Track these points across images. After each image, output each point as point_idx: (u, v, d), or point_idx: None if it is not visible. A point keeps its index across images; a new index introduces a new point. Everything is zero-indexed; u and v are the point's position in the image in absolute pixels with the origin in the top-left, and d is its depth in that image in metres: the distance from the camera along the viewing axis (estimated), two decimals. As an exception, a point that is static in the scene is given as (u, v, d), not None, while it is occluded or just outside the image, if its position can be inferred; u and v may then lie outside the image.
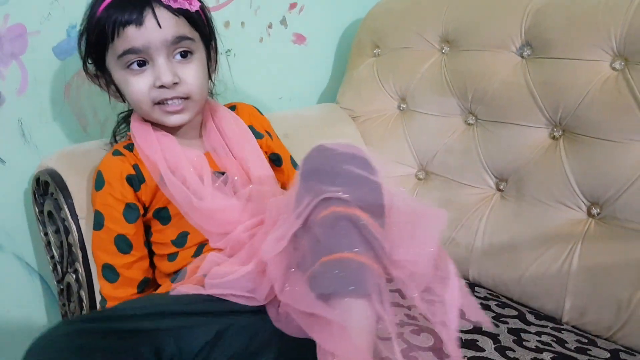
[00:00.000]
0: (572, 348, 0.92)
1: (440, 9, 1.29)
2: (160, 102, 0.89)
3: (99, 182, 0.91)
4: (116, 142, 1.02)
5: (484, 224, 1.15)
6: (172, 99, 0.88)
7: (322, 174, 0.72)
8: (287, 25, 1.45)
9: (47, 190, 1.01)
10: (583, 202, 1.03)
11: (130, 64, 0.87)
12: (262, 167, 0.97)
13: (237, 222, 0.86)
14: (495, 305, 1.06)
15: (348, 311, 0.64)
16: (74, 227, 0.95)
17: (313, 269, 0.67)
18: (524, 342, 0.92)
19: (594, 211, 1.01)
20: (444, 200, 1.24)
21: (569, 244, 1.02)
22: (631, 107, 0.96)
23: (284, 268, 0.72)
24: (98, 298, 0.97)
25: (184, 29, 0.87)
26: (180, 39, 0.86)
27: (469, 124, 1.23)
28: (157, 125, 0.94)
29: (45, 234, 1.05)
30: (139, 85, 0.87)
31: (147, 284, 0.95)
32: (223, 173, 0.94)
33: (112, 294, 0.92)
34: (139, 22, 0.83)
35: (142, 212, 0.92)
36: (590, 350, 0.92)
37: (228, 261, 0.80)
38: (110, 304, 0.92)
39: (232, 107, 1.06)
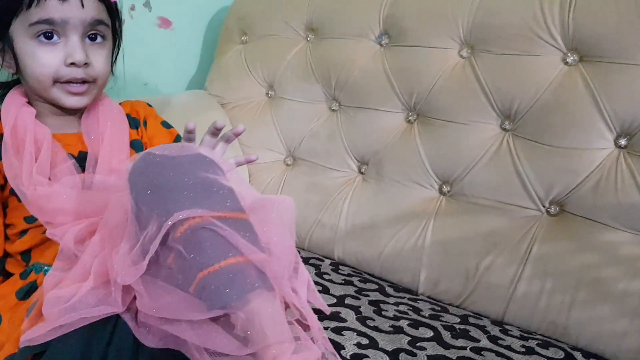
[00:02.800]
0: (427, 315, 0.99)
1: (304, -3, 1.33)
2: (65, 82, 0.86)
3: None
4: None
5: (347, 205, 1.20)
6: (80, 80, 0.86)
7: (163, 190, 0.68)
8: (152, 8, 1.42)
9: None
10: (435, 181, 1.11)
11: (39, 35, 0.83)
12: (119, 159, 0.91)
13: (63, 212, 0.82)
14: (358, 280, 1.10)
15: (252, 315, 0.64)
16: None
17: (193, 287, 0.65)
18: (383, 312, 0.97)
19: (445, 189, 1.10)
20: (310, 184, 1.28)
21: (422, 220, 1.09)
22: (476, 91, 1.05)
23: (145, 281, 0.69)
24: None
25: (103, 14, 0.87)
26: (98, 22, 0.86)
27: (333, 110, 1.28)
28: (42, 104, 0.90)
29: None
30: (46, 58, 0.84)
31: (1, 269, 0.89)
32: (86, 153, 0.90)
33: None
34: None
35: (2, 182, 0.87)
36: (442, 316, 0.99)
37: (65, 280, 0.74)
38: None
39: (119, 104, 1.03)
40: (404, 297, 1.05)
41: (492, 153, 1.04)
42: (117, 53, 0.99)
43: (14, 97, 0.91)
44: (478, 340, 0.91)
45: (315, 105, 1.31)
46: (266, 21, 1.40)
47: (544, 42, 0.99)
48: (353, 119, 1.23)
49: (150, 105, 1.06)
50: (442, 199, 1.10)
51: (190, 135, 0.83)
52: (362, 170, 1.22)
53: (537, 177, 0.99)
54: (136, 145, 0.96)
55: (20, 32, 0.84)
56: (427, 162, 1.11)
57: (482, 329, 0.96)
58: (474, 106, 1.06)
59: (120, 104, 1.02)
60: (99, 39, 0.88)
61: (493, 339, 0.92)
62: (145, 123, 1.02)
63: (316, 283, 1.05)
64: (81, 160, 0.89)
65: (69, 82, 0.86)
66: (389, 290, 1.08)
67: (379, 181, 1.18)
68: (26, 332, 0.71)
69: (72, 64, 0.84)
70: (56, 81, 0.85)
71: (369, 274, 1.16)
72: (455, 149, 1.08)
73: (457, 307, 1.05)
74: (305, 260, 1.18)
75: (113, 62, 0.97)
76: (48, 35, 0.83)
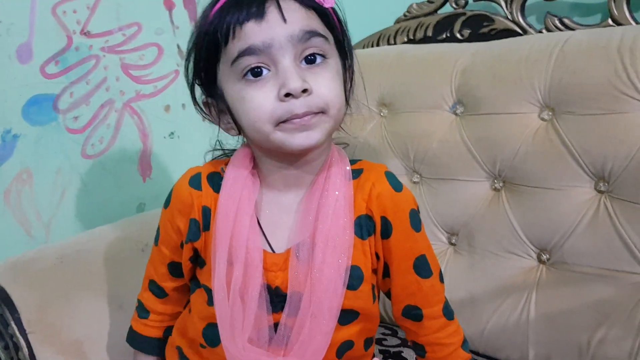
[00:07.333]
0: (542, 398, 0.92)
1: (374, 74, 1.32)
2: (286, 121, 0.68)
3: (167, 199, 0.81)
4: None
5: (442, 279, 1.16)
6: (303, 115, 0.67)
7: None
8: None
9: (-8, 305, 0.97)
10: (532, 249, 1.05)
11: (246, 73, 0.68)
12: (329, 305, 0.72)
13: None
14: (462, 361, 1.05)
15: None
16: (23, 343, 0.91)
17: None
18: (496, 397, 0.92)
19: (544, 257, 1.04)
20: (400, 259, 1.25)
21: (524, 292, 1.04)
22: (563, 154, 1.00)
23: None
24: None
25: (315, 23, 0.69)
26: (310, 34, 0.68)
27: (414, 182, 1.25)
28: (269, 162, 0.76)
29: (-5, 350, 1.01)
30: (258, 99, 0.68)
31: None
32: (285, 294, 0.73)
33: (158, 309, 0.87)
34: (260, 15, 0.66)
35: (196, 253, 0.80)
36: (559, 397, 0.93)
37: None
38: (154, 317, 0.87)
39: (359, 170, 0.79)
40: (514, 378, 1.00)
41: (590, 217, 0.98)
42: (352, 78, 0.78)
43: (236, 171, 0.76)
44: None
45: (396, 178, 1.29)
46: (338, 100, 1.41)
47: (630, 98, 0.93)
48: (436, 190, 1.20)
49: (399, 187, 0.78)
50: (542, 268, 1.04)
51: None
52: (453, 241, 1.18)
53: (643, 240, 0.92)
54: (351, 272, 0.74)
55: (226, 77, 0.71)
56: (519, 230, 1.06)
57: (606, 409, 0.88)
58: (563, 170, 1.00)
59: (359, 170, 0.78)
60: (318, 59, 0.69)
61: (619, 421, 0.85)
62: (388, 229, 0.76)
63: (418, 367, 1.02)
64: (280, 295, 0.74)
65: (291, 120, 0.68)
66: (497, 370, 1.03)
67: (471, 253, 1.13)
68: None
69: (288, 94, 0.66)
70: (278, 123, 0.68)
71: (473, 352, 1.10)
72: (549, 215, 1.02)
73: (573, 383, 0.98)
74: (404, 342, 1.15)
75: (349, 91, 0.77)
76: (255, 72, 0.68)
